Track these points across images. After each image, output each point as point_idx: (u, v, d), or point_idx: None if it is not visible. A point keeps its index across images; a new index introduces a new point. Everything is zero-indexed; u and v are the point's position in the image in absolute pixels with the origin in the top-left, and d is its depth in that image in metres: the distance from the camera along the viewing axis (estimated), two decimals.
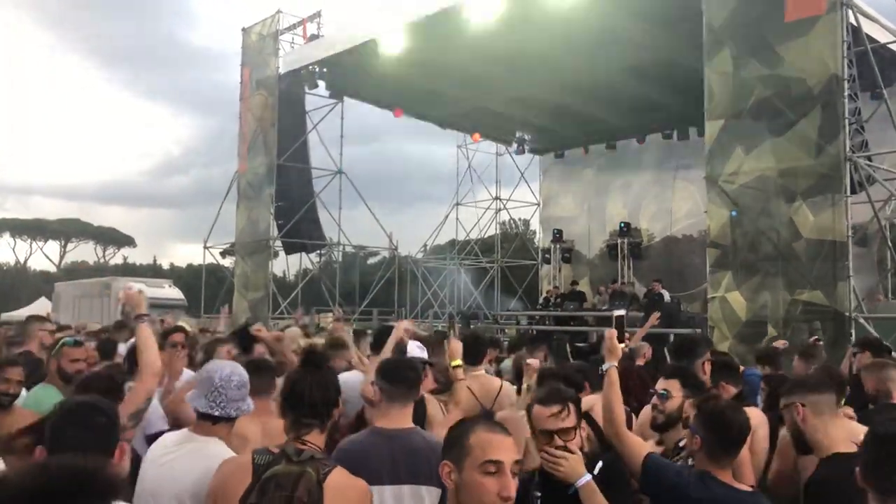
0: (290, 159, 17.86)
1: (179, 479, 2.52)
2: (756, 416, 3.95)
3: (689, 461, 2.74)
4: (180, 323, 6.40)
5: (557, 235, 20.98)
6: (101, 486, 1.12)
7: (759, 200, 9.96)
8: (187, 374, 4.39)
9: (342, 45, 15.82)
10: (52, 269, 54.87)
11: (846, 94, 9.19)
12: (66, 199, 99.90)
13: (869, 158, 9.85)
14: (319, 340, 6.01)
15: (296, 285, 20.36)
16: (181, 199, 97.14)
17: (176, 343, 4.48)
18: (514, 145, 21.80)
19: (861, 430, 2.92)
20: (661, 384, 3.28)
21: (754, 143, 9.91)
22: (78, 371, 4.08)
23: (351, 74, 17.28)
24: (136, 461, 2.74)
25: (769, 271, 9.81)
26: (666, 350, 6.30)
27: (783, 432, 3.34)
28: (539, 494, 2.41)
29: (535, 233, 27.37)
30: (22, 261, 56.54)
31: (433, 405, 3.72)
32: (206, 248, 20.10)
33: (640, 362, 6.07)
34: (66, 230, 55.68)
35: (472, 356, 4.85)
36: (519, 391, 4.35)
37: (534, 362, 4.24)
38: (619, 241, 19.23)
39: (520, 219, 28.40)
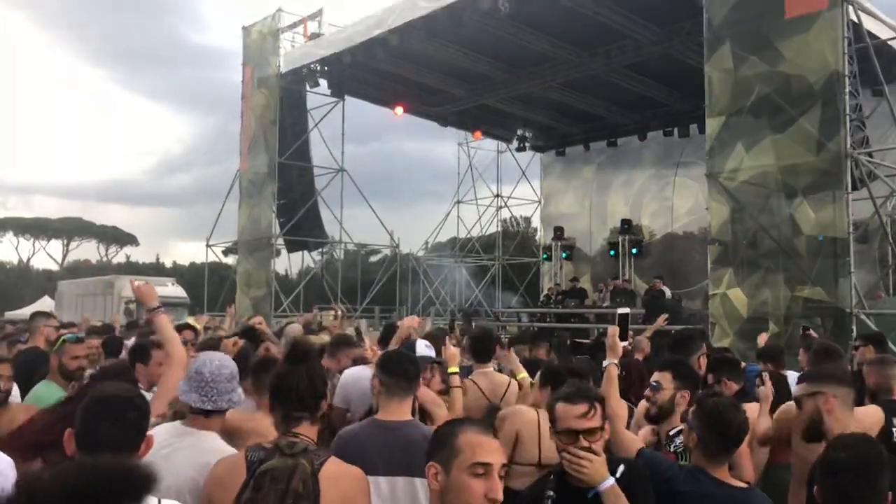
0: (292, 157, 17.89)
1: (179, 472, 2.51)
2: (758, 411, 3.99)
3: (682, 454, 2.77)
4: (189, 320, 6.42)
5: (558, 233, 21.00)
6: (137, 485, 1.17)
7: (759, 197, 9.97)
8: None
9: (343, 43, 15.84)
10: (55, 267, 54.99)
11: (847, 90, 9.19)
12: (68, 198, 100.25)
13: (870, 155, 9.86)
14: (326, 338, 6.02)
15: (298, 283, 20.41)
16: (183, 198, 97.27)
17: (186, 340, 4.52)
18: (515, 143, 21.80)
19: (869, 425, 3.03)
20: (654, 376, 3.37)
21: (755, 140, 9.92)
22: (79, 368, 4.11)
23: (352, 73, 17.29)
24: None
25: (770, 268, 9.83)
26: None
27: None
28: (553, 495, 2.32)
29: (536, 230, 27.39)
30: (25, 260, 56.73)
31: (458, 399, 3.73)
32: (208, 246, 20.17)
33: (639, 357, 6.12)
34: (69, 229, 55.74)
35: (482, 353, 4.90)
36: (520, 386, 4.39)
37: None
38: (620, 238, 19.25)
39: (521, 216, 28.42)
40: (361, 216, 22.34)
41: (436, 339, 4.74)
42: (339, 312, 10.55)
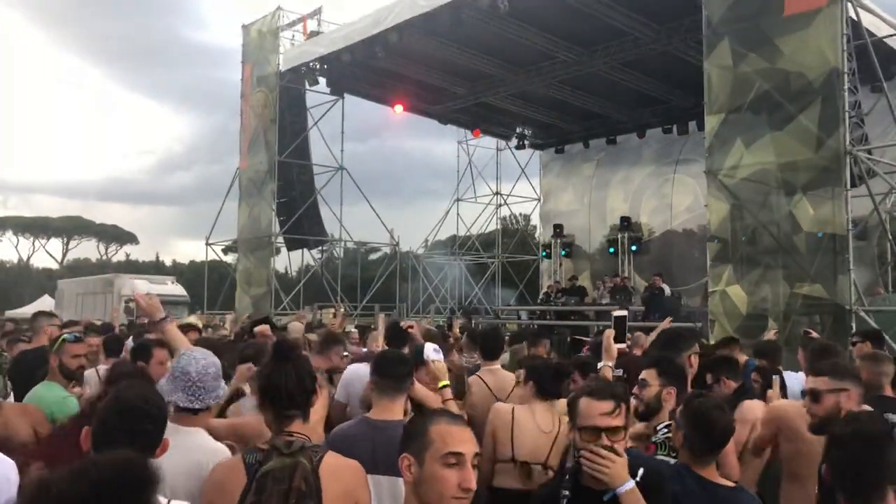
0: (292, 156, 17.89)
1: (171, 470, 2.53)
2: (759, 408, 4.01)
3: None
4: (192, 320, 6.44)
5: (558, 230, 21.01)
6: (144, 482, 1.21)
7: (759, 194, 9.98)
8: None
9: (342, 41, 15.83)
10: (55, 266, 55.01)
11: (846, 87, 9.19)
12: (68, 196, 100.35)
13: (869, 152, 9.87)
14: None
15: (298, 281, 20.42)
16: (183, 196, 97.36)
17: (193, 341, 4.54)
18: (515, 140, 21.79)
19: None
20: (641, 374, 3.42)
21: (754, 137, 9.92)
22: (80, 367, 4.12)
23: (351, 71, 17.29)
24: None
25: (769, 265, 9.84)
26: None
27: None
28: (568, 494, 2.22)
29: (535, 228, 27.40)
30: (25, 258, 56.75)
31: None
32: (208, 244, 20.17)
33: (637, 352, 6.14)
34: (69, 228, 55.75)
35: (491, 350, 4.94)
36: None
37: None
38: (619, 235, 19.27)
39: (520, 214, 28.45)
40: (361, 214, 22.44)
41: (432, 337, 4.77)
42: (339, 311, 10.56)
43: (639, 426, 3.42)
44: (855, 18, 9.71)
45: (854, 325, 8.88)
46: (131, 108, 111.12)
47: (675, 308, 14.07)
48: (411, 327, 5.62)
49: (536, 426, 3.69)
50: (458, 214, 22.49)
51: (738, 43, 10.07)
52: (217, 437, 2.78)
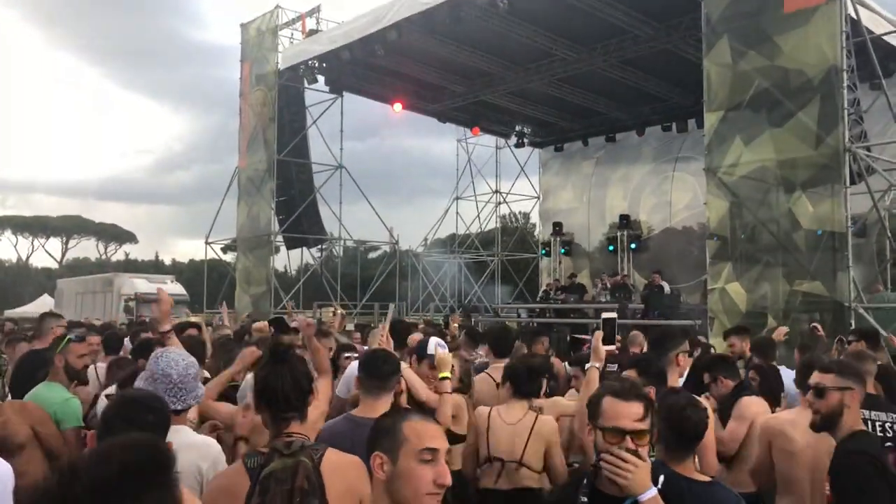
0: (290, 154, 17.88)
1: None
2: (757, 404, 4.02)
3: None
4: (194, 319, 6.45)
5: (557, 228, 21.02)
6: (167, 461, 1.27)
7: (758, 191, 9.99)
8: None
9: (341, 39, 15.82)
10: (54, 265, 55.02)
11: (845, 84, 9.19)
12: (67, 196, 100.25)
13: (868, 149, 9.86)
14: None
15: (297, 280, 20.43)
16: (182, 195, 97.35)
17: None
18: (514, 139, 21.80)
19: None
20: (623, 374, 3.48)
21: (753, 135, 9.92)
22: (84, 366, 4.16)
23: (350, 69, 17.27)
24: None
25: (769, 262, 9.85)
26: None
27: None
28: (586, 500, 2.09)
29: (534, 226, 27.42)
30: (24, 258, 56.74)
31: (446, 405, 3.74)
32: (207, 243, 20.18)
33: (634, 350, 6.15)
34: (68, 227, 55.75)
35: (501, 348, 4.97)
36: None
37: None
38: (618, 233, 19.27)
39: (520, 212, 28.42)
40: (360, 213, 22.44)
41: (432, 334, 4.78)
42: (337, 311, 10.56)
43: None
44: (854, 16, 9.71)
45: (853, 322, 8.89)
46: (130, 107, 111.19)
47: (675, 306, 14.10)
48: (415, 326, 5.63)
49: (512, 425, 3.73)
50: (457, 213, 22.54)
51: (738, 40, 10.07)
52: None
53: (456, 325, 8.83)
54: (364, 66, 17.12)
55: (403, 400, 3.71)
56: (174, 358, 2.78)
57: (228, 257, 23.09)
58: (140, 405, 2.19)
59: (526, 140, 21.77)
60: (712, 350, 7.01)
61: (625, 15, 13.70)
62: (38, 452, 3.32)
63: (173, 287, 23.68)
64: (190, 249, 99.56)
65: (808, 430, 2.95)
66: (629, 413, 2.06)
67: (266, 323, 5.79)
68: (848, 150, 9.18)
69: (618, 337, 3.26)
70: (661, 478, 2.11)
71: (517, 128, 21.53)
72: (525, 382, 3.84)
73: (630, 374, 3.50)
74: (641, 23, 14.07)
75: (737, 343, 5.97)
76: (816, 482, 3.10)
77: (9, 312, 27.86)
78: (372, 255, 32.42)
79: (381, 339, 4.12)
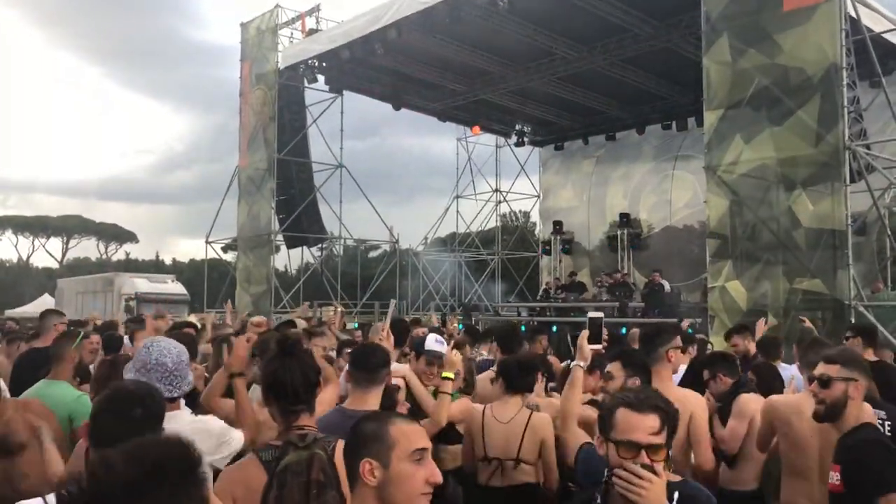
0: (291, 154, 17.89)
1: None
2: (755, 401, 4.01)
3: None
4: (191, 318, 6.48)
5: (557, 227, 21.03)
6: (196, 459, 1.31)
7: (758, 190, 9.98)
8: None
9: (341, 38, 15.82)
10: (55, 265, 55.02)
11: (845, 82, 9.19)
12: (67, 195, 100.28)
13: (868, 147, 9.86)
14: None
15: (297, 279, 20.44)
16: (183, 195, 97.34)
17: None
18: (514, 137, 21.80)
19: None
20: (607, 367, 3.55)
21: (753, 133, 9.92)
22: (92, 362, 4.27)
23: (350, 68, 17.28)
24: None
25: (769, 260, 9.84)
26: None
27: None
28: None
29: (535, 224, 27.41)
30: (25, 258, 56.75)
31: (444, 406, 3.73)
32: (207, 243, 20.18)
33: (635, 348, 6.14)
34: (68, 227, 55.74)
35: (509, 345, 4.99)
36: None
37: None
38: (618, 231, 19.28)
39: (520, 211, 28.43)
40: (360, 212, 22.44)
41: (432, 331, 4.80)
42: (337, 310, 10.58)
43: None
44: (853, 14, 9.71)
45: (853, 320, 8.89)
46: (130, 106, 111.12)
47: (675, 304, 14.10)
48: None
49: (505, 424, 3.74)
50: (457, 211, 22.55)
51: (737, 39, 10.07)
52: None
53: (452, 325, 8.83)
54: (364, 66, 17.13)
55: (402, 397, 3.72)
56: (166, 346, 2.80)
57: (229, 257, 23.14)
58: (127, 400, 2.16)
59: (526, 139, 21.77)
60: (709, 346, 7.01)
61: (624, 13, 13.70)
62: (40, 452, 3.32)
63: (174, 286, 23.74)
64: (190, 249, 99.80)
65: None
66: (644, 426, 1.93)
67: (265, 318, 5.80)
68: (848, 148, 9.18)
69: (605, 336, 3.25)
70: (676, 495, 1.97)
71: (517, 126, 21.53)
72: (517, 377, 3.83)
73: (614, 366, 3.56)
74: (641, 21, 14.07)
75: (740, 342, 5.96)
76: (824, 469, 3.09)
77: (9, 312, 27.88)
78: (372, 254, 32.42)
79: (382, 334, 4.13)
